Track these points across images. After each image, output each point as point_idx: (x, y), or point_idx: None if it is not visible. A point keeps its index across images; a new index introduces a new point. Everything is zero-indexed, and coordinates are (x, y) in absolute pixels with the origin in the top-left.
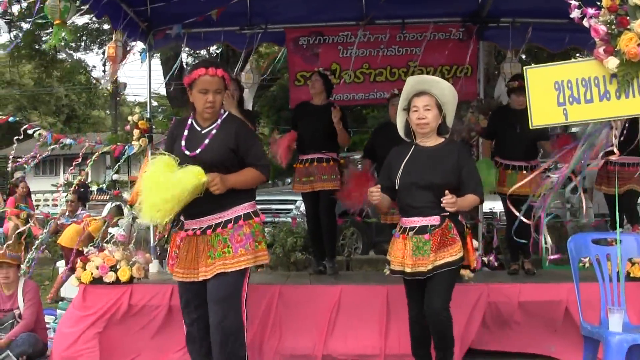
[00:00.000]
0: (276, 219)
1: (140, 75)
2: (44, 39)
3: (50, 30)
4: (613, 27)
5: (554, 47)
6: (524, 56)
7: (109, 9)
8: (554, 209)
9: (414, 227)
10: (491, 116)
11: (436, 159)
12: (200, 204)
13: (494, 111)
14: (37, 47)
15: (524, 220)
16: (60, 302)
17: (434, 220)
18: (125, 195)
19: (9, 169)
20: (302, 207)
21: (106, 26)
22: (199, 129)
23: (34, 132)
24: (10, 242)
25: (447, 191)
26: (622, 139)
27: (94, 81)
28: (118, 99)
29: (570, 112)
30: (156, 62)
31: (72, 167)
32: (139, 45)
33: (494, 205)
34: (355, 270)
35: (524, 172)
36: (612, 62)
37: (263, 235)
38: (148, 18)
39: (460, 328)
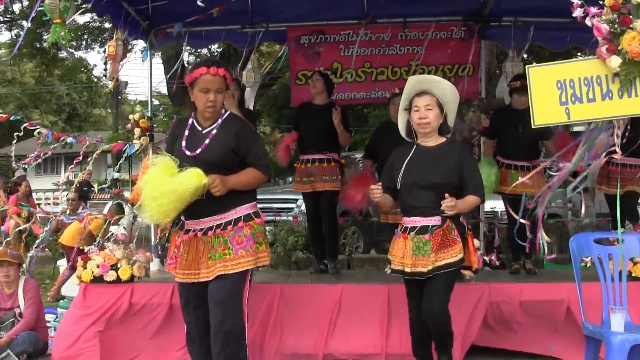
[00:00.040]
0: (277, 218)
1: (142, 74)
2: (45, 37)
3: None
4: (616, 25)
5: (556, 46)
6: (525, 55)
7: (110, 8)
8: (556, 208)
9: (415, 227)
10: (493, 116)
11: (437, 158)
12: (201, 205)
13: (495, 111)
14: (38, 45)
15: (522, 221)
16: (61, 301)
17: (435, 220)
18: (127, 194)
19: (14, 167)
20: (304, 206)
21: (107, 25)
22: (199, 128)
23: (34, 130)
24: (9, 239)
25: (446, 194)
26: (624, 140)
27: (95, 80)
28: (119, 97)
29: (572, 112)
30: (157, 60)
31: (72, 166)
32: (140, 44)
33: (495, 205)
34: (356, 269)
35: (526, 172)
36: (615, 61)
37: (264, 236)
38: (149, 16)
39: (461, 327)
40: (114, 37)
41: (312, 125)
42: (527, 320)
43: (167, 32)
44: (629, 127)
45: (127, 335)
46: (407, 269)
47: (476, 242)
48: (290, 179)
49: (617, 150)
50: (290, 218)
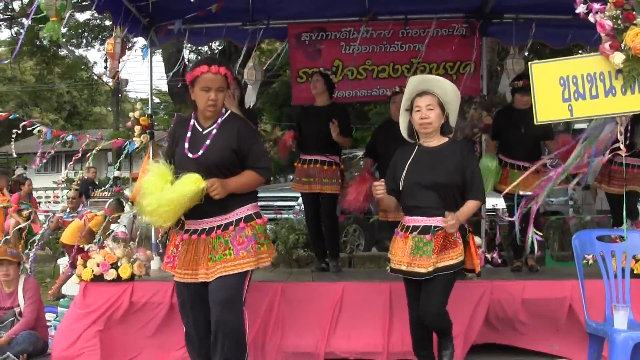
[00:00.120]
0: (278, 216)
1: (142, 72)
2: (42, 34)
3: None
4: (619, 22)
5: (557, 43)
6: (526, 53)
7: (110, 5)
8: (556, 205)
9: (417, 227)
10: (496, 117)
11: (440, 158)
12: (202, 206)
13: (498, 112)
14: (38, 43)
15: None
16: (61, 300)
17: (438, 221)
18: (127, 192)
19: (14, 167)
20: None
21: (108, 22)
22: (200, 129)
23: (34, 128)
24: (9, 238)
25: (446, 212)
26: (626, 142)
27: (96, 77)
28: (120, 95)
29: (575, 108)
30: (158, 58)
31: (71, 162)
32: (140, 42)
33: (496, 202)
34: (357, 267)
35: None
36: (618, 58)
37: (266, 237)
38: (149, 14)
39: (463, 325)
40: (113, 35)
41: (314, 127)
42: (529, 318)
43: (168, 30)
44: (628, 128)
45: (128, 334)
46: (403, 267)
47: (477, 239)
48: (291, 176)
49: (622, 147)
50: (292, 216)
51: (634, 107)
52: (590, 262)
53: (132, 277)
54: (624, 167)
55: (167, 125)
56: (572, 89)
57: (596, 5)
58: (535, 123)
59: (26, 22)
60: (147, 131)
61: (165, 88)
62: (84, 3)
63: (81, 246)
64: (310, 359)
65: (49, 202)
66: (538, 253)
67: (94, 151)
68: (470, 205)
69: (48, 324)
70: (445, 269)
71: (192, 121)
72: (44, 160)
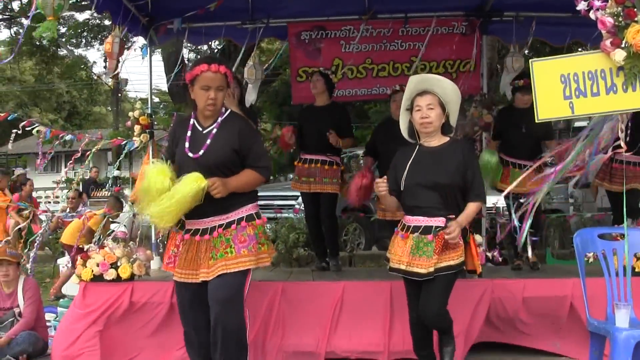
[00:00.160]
0: (278, 215)
1: (142, 72)
2: (37, 34)
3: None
4: (620, 19)
5: (557, 41)
6: (526, 52)
7: (109, 4)
8: (557, 203)
9: (418, 227)
10: (497, 117)
11: (441, 158)
12: (203, 206)
13: (499, 111)
14: (37, 43)
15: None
16: (61, 300)
17: (439, 221)
18: (127, 192)
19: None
20: None
21: (107, 22)
22: (200, 128)
23: (32, 128)
24: (9, 238)
25: (447, 222)
26: (627, 139)
27: (95, 77)
28: (119, 95)
29: (576, 106)
30: (157, 57)
31: (71, 162)
32: (140, 41)
33: (497, 200)
34: (358, 266)
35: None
36: (619, 55)
37: (266, 237)
38: (149, 13)
39: (464, 324)
40: (112, 34)
41: (315, 127)
42: (530, 316)
43: (167, 29)
44: (629, 124)
45: (128, 334)
46: (402, 267)
47: (478, 237)
48: (292, 175)
49: (622, 145)
50: (292, 215)
51: (635, 104)
52: (591, 260)
53: (132, 277)
54: (627, 165)
55: (167, 124)
56: (573, 87)
57: (597, 3)
58: (536, 121)
59: (26, 22)
60: (147, 130)
61: (164, 87)
62: (83, 3)
63: (81, 246)
64: (310, 358)
65: (49, 202)
66: (530, 253)
67: (94, 150)
68: (471, 208)
69: (48, 324)
70: (445, 269)
71: (192, 120)
72: (45, 162)
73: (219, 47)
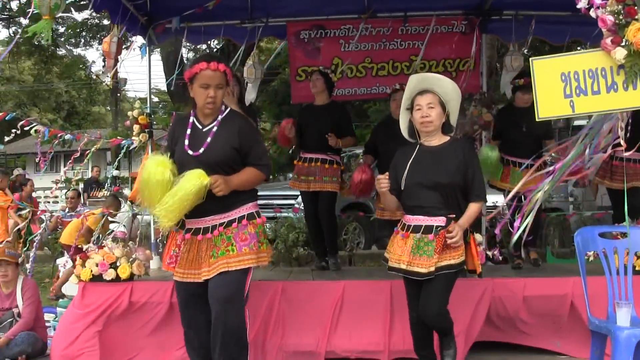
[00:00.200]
0: (278, 214)
1: (141, 71)
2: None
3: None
4: (620, 17)
5: (556, 40)
6: (525, 51)
7: (107, 3)
8: (557, 202)
9: (419, 226)
10: (497, 117)
11: (441, 158)
12: (204, 204)
13: (499, 111)
14: (36, 43)
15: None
16: (60, 300)
17: (440, 221)
18: (126, 191)
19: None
20: None
21: (106, 21)
22: (200, 126)
23: (30, 128)
24: (9, 239)
25: (449, 227)
26: (628, 135)
27: (94, 77)
28: (118, 94)
29: (577, 104)
30: (156, 57)
31: (70, 161)
32: (139, 40)
33: (497, 199)
34: (358, 266)
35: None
36: (620, 53)
37: (265, 236)
38: (148, 12)
39: (465, 323)
40: (110, 34)
41: (315, 126)
42: (531, 315)
43: (166, 28)
44: (629, 121)
45: (127, 334)
46: (403, 266)
47: (478, 237)
48: (291, 175)
49: (622, 143)
50: (291, 214)
51: (635, 102)
52: (591, 258)
53: (131, 277)
54: (627, 162)
55: (166, 124)
56: (574, 85)
57: (597, 1)
58: (537, 119)
59: (25, 21)
60: (146, 130)
61: (163, 87)
62: (82, 2)
63: (80, 246)
64: (311, 357)
65: (48, 202)
66: (523, 252)
67: (93, 149)
68: (472, 209)
69: (47, 324)
70: (446, 268)
71: (192, 118)
72: (46, 163)
73: (218, 47)
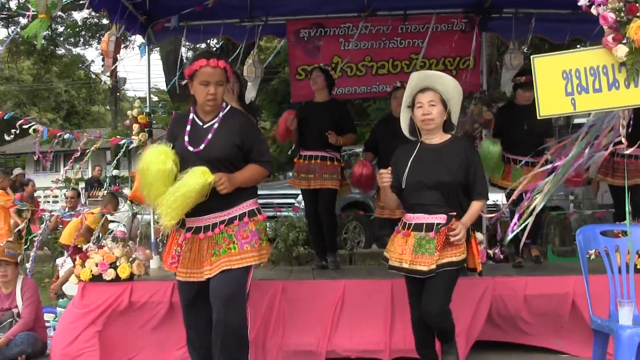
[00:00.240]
0: (278, 214)
1: (140, 70)
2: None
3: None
4: (622, 14)
5: (556, 38)
6: (525, 49)
7: (106, 1)
8: (557, 200)
9: (420, 224)
10: (498, 115)
11: (442, 156)
12: (206, 202)
13: (499, 109)
14: (35, 42)
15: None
16: (60, 300)
17: (441, 218)
18: (126, 191)
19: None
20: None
21: (105, 21)
22: (200, 123)
23: (29, 127)
24: (11, 239)
25: (451, 224)
26: (629, 130)
27: (94, 76)
28: (118, 94)
29: (578, 102)
30: (156, 56)
31: (70, 160)
32: (138, 39)
33: (498, 198)
34: (358, 265)
35: (530, 167)
36: (621, 50)
37: (266, 233)
38: (146, 11)
39: (466, 322)
40: (108, 33)
41: (315, 124)
42: (532, 314)
43: (165, 27)
44: (631, 117)
45: (127, 333)
46: (405, 265)
47: (479, 235)
48: (291, 174)
49: (623, 140)
50: (291, 213)
51: (637, 100)
52: (593, 257)
53: (131, 277)
54: (629, 159)
55: (166, 123)
56: (575, 83)
57: None
58: (538, 117)
59: (23, 20)
60: (146, 129)
61: (163, 86)
62: (80, 1)
63: (79, 246)
64: (311, 357)
65: (47, 202)
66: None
67: (92, 149)
68: (475, 207)
69: (47, 324)
70: (447, 266)
71: (192, 115)
72: (49, 163)
73: (218, 46)
